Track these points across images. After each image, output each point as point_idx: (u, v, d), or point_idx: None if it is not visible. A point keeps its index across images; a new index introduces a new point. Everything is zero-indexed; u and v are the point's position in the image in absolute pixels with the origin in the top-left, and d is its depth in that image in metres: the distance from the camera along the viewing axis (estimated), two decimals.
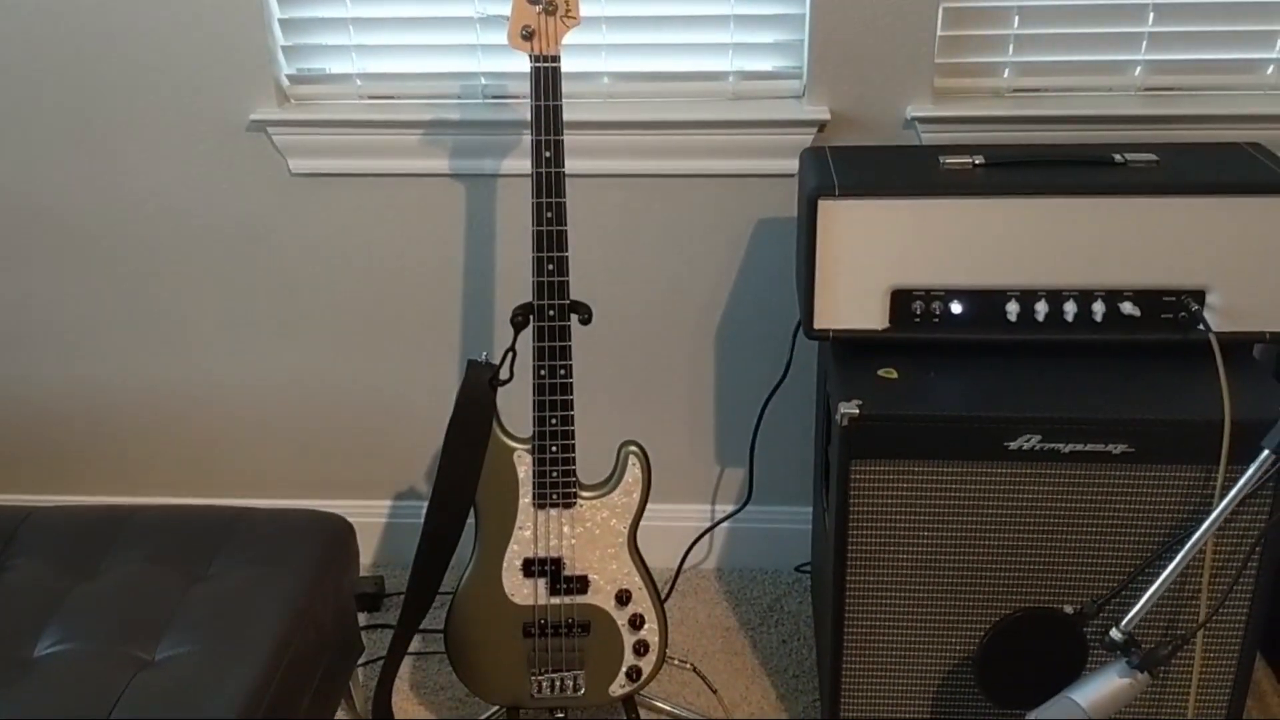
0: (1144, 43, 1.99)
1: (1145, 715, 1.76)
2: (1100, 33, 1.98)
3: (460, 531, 1.79)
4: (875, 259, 1.69)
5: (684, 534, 2.36)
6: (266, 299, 2.24)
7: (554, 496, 1.76)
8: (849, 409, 1.62)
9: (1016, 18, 1.98)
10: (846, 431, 1.63)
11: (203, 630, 1.61)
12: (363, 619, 2.25)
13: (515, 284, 2.19)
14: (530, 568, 1.79)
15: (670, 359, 2.24)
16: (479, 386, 1.74)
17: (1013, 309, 1.70)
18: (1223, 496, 1.58)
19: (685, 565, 2.37)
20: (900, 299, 1.72)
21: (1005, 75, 2.03)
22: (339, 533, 1.85)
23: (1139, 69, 2.02)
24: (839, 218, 1.67)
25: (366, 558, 2.44)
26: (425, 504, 2.37)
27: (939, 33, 1.95)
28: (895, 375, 1.70)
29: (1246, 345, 1.74)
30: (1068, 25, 1.98)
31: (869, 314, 1.72)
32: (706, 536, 2.38)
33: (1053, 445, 1.60)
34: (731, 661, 2.14)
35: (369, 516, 2.41)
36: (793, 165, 2.05)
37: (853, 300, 1.72)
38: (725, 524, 2.35)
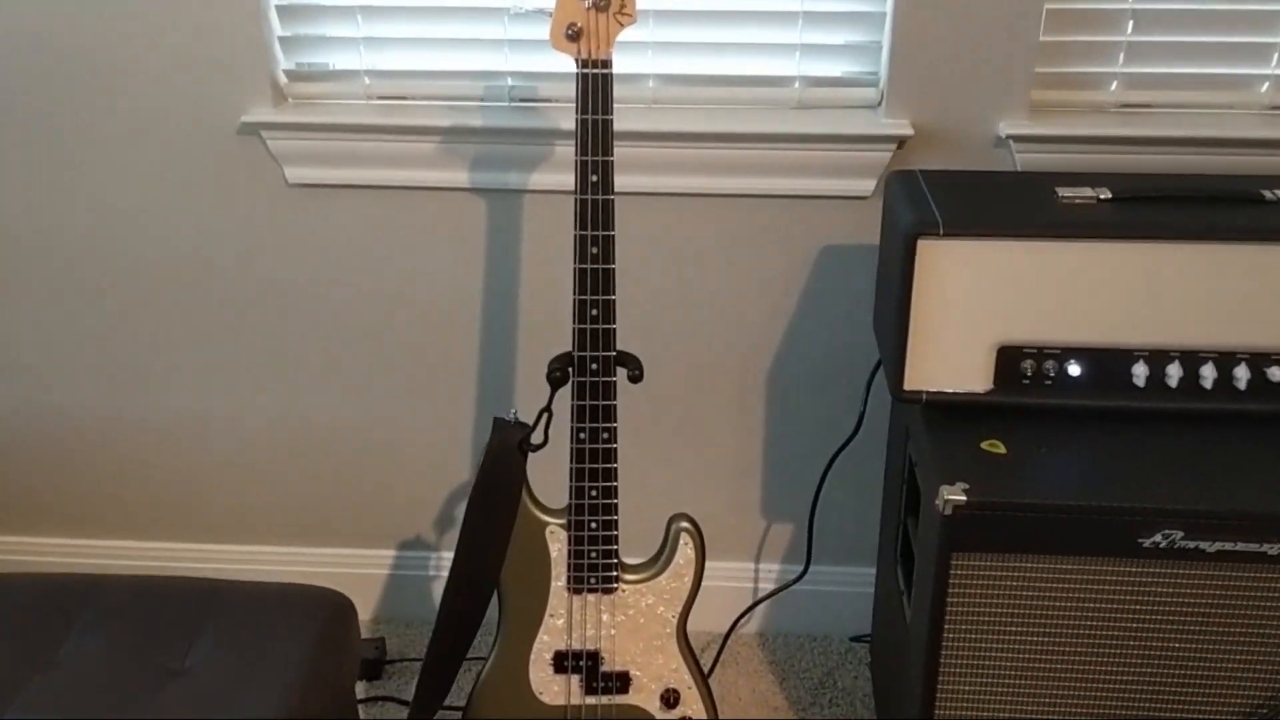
0: (1276, 55, 1.72)
1: None
2: (1223, 42, 1.72)
3: (481, 617, 1.53)
4: (982, 310, 1.43)
5: (725, 595, 2.09)
6: (257, 326, 1.97)
7: (592, 580, 1.50)
8: (954, 496, 1.35)
9: (1131, 23, 1.71)
10: (949, 521, 1.36)
11: None
12: (361, 689, 1.99)
13: (541, 317, 1.91)
14: (562, 662, 1.53)
15: (718, 403, 1.97)
16: (507, 450, 1.47)
17: (1140, 372, 1.44)
18: None
19: (731, 633, 2.11)
20: (1008, 357, 1.45)
21: (1112, 88, 1.76)
22: (337, 612, 1.58)
23: (1266, 85, 1.75)
24: (942, 261, 1.41)
25: (366, 613, 2.17)
26: (432, 554, 2.13)
27: (1041, 37, 1.68)
28: (1004, 450, 1.44)
29: None
30: (1187, 33, 1.72)
31: (971, 374, 1.46)
32: (748, 598, 2.11)
33: (1196, 543, 1.34)
34: None
35: (369, 567, 2.15)
36: (864, 186, 1.79)
37: (952, 358, 1.45)
38: (781, 591, 2.09)
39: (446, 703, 1.64)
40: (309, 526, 2.13)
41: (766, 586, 2.11)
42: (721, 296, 1.89)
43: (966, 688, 1.45)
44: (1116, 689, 1.42)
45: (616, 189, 1.79)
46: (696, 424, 1.99)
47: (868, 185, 1.78)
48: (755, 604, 2.08)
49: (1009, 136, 1.73)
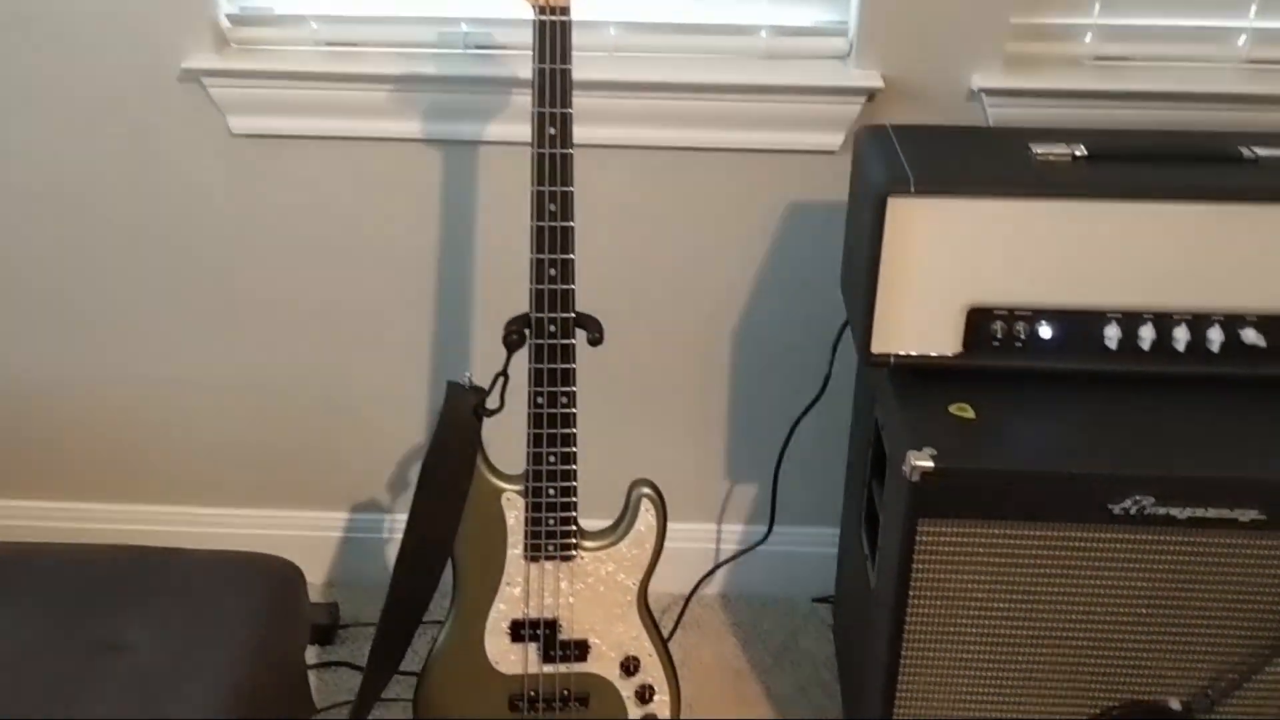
0: (1254, 7, 1.68)
1: None
2: None
3: (434, 585, 1.48)
4: (952, 271, 1.38)
5: (686, 556, 2.06)
6: (202, 283, 1.89)
7: (550, 548, 1.45)
8: (921, 461, 1.31)
9: None
10: (915, 487, 1.32)
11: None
12: (313, 654, 1.94)
13: (499, 272, 1.85)
14: (519, 631, 1.49)
15: (680, 364, 1.92)
16: (461, 415, 1.42)
17: (1112, 334, 1.41)
18: None
19: (693, 596, 2.08)
20: (978, 319, 1.41)
21: (1087, 40, 1.71)
22: (285, 581, 1.53)
23: (1244, 38, 1.71)
24: (913, 220, 1.36)
25: (319, 576, 2.12)
26: (386, 517, 2.07)
27: None
28: (973, 415, 1.40)
29: None
30: None
31: (940, 337, 1.42)
32: (710, 559, 2.08)
33: (1167, 510, 1.31)
34: (743, 713, 1.86)
35: (322, 530, 2.09)
36: (832, 140, 1.73)
37: (921, 320, 1.41)
38: (731, 547, 2.06)
39: (402, 669, 1.60)
40: (260, 488, 2.07)
41: (729, 548, 2.08)
42: (685, 254, 1.83)
43: (931, 654, 1.42)
44: (1085, 657, 1.40)
45: (576, 141, 1.73)
46: (659, 384, 1.95)
47: (836, 139, 1.73)
48: (717, 566, 2.05)
49: (981, 90, 1.68)
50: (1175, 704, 1.37)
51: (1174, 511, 1.32)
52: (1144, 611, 1.37)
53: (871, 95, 1.69)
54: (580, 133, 1.71)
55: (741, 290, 1.86)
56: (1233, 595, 1.36)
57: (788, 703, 1.88)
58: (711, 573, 2.05)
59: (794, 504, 2.03)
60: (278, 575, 1.52)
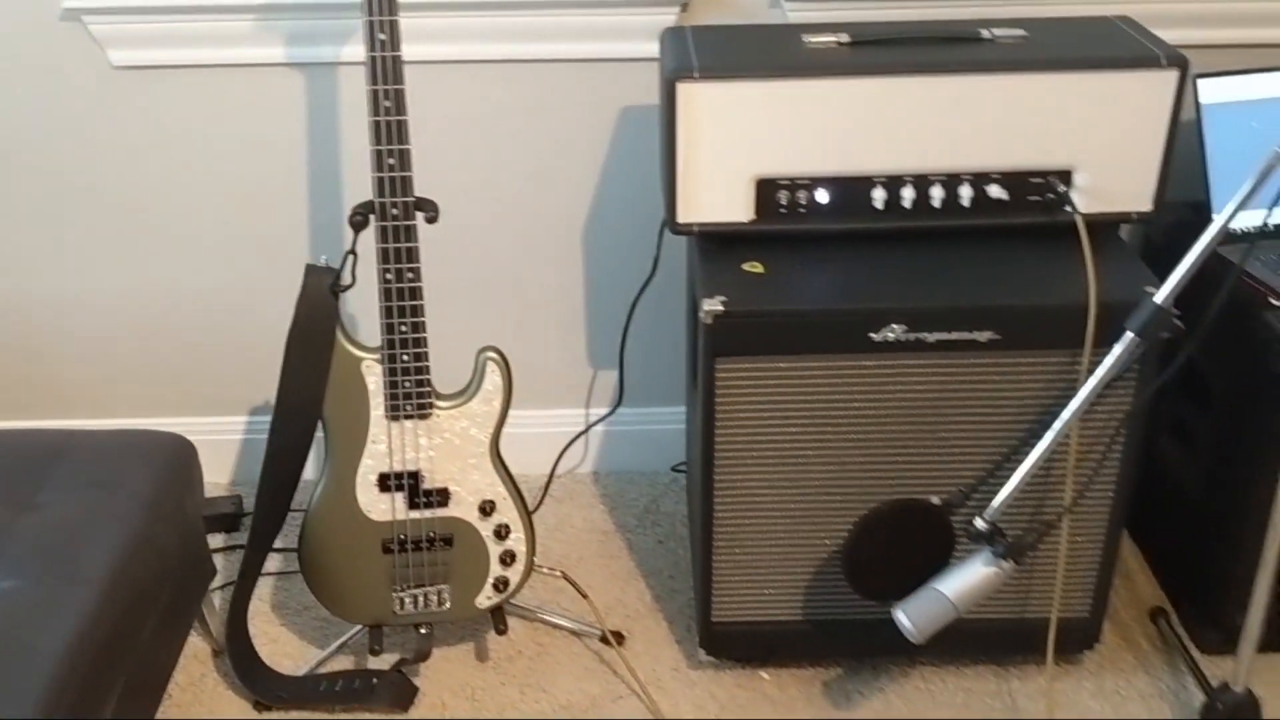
0: None
1: (1015, 600, 1.76)
2: None
3: (307, 448, 1.69)
4: (739, 147, 1.61)
5: (559, 439, 2.29)
6: (95, 206, 2.07)
7: (408, 408, 1.66)
8: (712, 306, 1.55)
9: None
10: (710, 329, 1.56)
11: (31, 563, 1.50)
12: (221, 540, 2.15)
13: (364, 179, 2.04)
14: (386, 482, 1.70)
15: (535, 259, 2.14)
16: (319, 293, 1.62)
17: (879, 196, 1.64)
18: (1087, 380, 1.56)
19: (561, 470, 2.31)
20: (765, 189, 1.64)
21: None
22: (179, 452, 1.73)
23: None
24: (700, 102, 1.58)
25: (223, 476, 2.32)
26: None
27: None
28: (761, 269, 1.63)
29: (1114, 226, 1.71)
30: None
31: (734, 206, 1.65)
32: (581, 440, 2.31)
33: (918, 335, 1.56)
34: (608, 565, 2.10)
35: (224, 434, 2.29)
36: (654, 48, 1.94)
37: (717, 192, 1.63)
38: (601, 427, 2.29)
39: (286, 544, 1.81)
40: (160, 398, 2.26)
41: (598, 428, 2.31)
42: (530, 157, 2.04)
43: (739, 473, 1.66)
44: (863, 465, 1.65)
45: (425, 58, 1.93)
46: (522, 281, 2.16)
47: (656, 46, 1.94)
48: (575, 438, 2.27)
49: None
50: (936, 500, 1.62)
51: (924, 336, 1.56)
52: (907, 424, 1.62)
53: (685, 5, 1.90)
54: (424, 50, 1.92)
55: (587, 188, 2.07)
56: (978, 406, 1.61)
57: (648, 554, 2.12)
58: (569, 446, 2.27)
59: (654, 383, 2.26)
60: (170, 446, 1.72)
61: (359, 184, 2.05)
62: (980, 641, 1.81)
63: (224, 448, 2.30)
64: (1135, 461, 1.65)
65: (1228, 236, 1.80)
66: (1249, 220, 1.76)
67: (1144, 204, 1.65)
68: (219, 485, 2.31)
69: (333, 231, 2.10)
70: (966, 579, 1.48)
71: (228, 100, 1.98)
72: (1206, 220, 1.80)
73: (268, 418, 2.26)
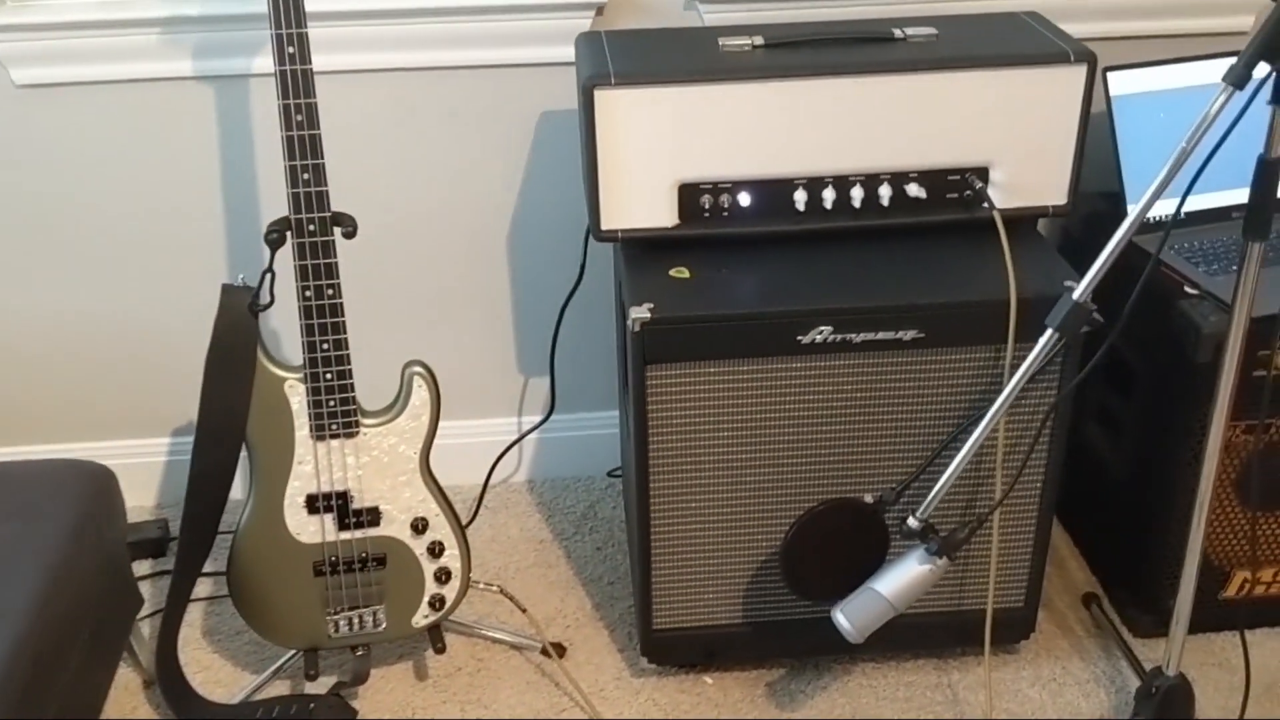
0: None
1: (951, 594, 1.78)
2: None
3: (232, 470, 1.65)
4: (659, 152, 1.60)
5: (491, 449, 2.26)
6: (5, 227, 2.01)
7: (334, 426, 1.63)
8: (639, 313, 1.54)
9: None
10: (639, 337, 1.55)
11: None
12: (147, 567, 2.09)
13: (279, 192, 2.00)
14: (315, 503, 1.67)
15: (459, 268, 2.11)
16: (237, 313, 1.59)
17: (800, 198, 1.64)
18: (1012, 375, 1.58)
19: (495, 480, 2.29)
20: (688, 194, 1.63)
21: None
22: (99, 480, 1.68)
23: None
24: (618, 109, 1.57)
25: (148, 500, 2.27)
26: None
27: None
28: (688, 274, 1.63)
29: (1031, 220, 1.73)
30: None
31: (658, 211, 1.64)
32: (515, 449, 2.29)
33: (844, 336, 1.57)
34: (546, 575, 2.08)
35: (146, 456, 2.24)
36: (571, 52, 1.93)
37: (640, 197, 1.63)
38: (534, 434, 2.27)
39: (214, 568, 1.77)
40: (80, 422, 2.20)
41: (532, 436, 2.29)
42: (451, 166, 2.01)
43: (674, 483, 1.66)
44: (796, 466, 1.65)
45: (338, 68, 1.90)
46: (447, 292, 2.13)
47: (573, 51, 1.92)
48: (508, 448, 2.25)
49: None
50: (869, 498, 1.63)
51: (851, 337, 1.57)
52: (839, 425, 1.63)
53: (600, 9, 1.89)
54: (337, 60, 1.89)
55: (510, 194, 2.05)
56: (906, 404, 1.62)
57: (587, 561, 2.11)
58: (502, 456, 2.25)
59: (587, 389, 2.25)
60: (91, 475, 1.67)
61: (275, 199, 2.01)
62: (919, 636, 1.83)
63: (146, 471, 2.24)
64: (1062, 452, 1.67)
65: (1143, 226, 1.84)
66: (1163, 209, 1.79)
67: (1059, 198, 1.67)
68: (143, 509, 2.25)
69: (250, 248, 2.05)
70: (902, 577, 1.48)
71: (137, 116, 1.93)
72: (1121, 210, 1.84)
73: (190, 439, 2.22)
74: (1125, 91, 1.81)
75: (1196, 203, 1.82)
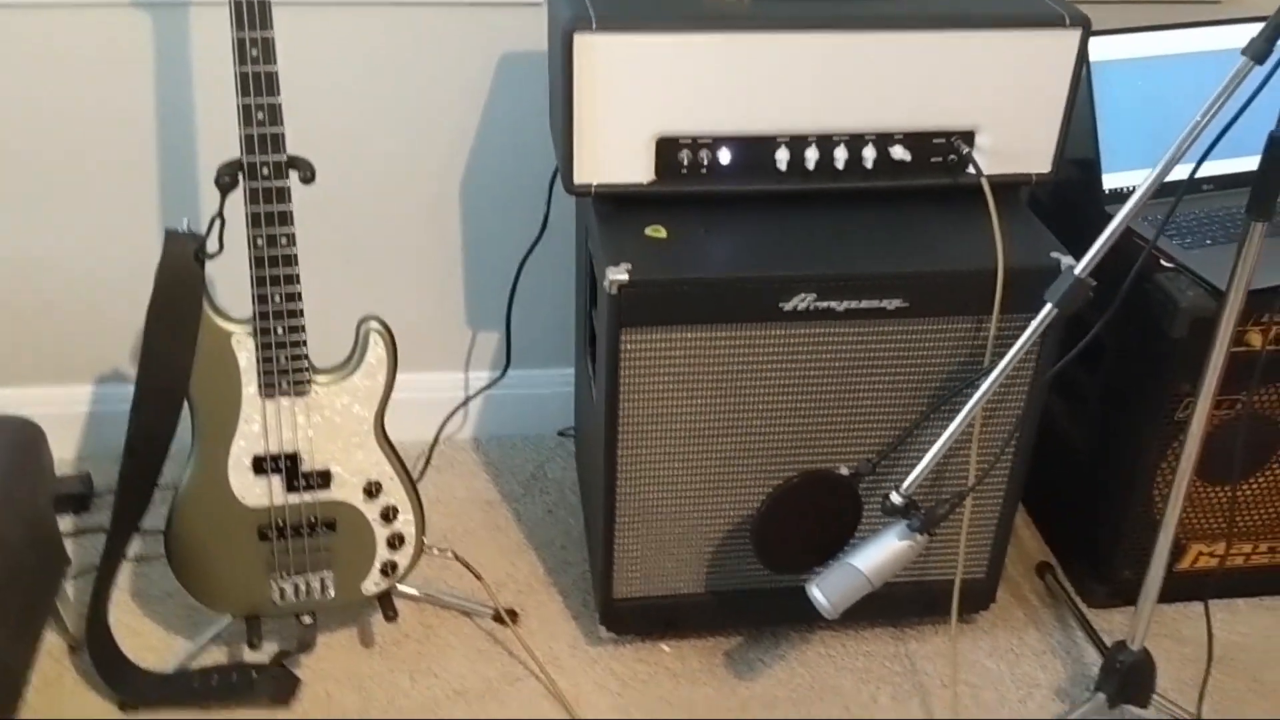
0: None
1: (914, 565, 1.75)
2: None
3: (172, 429, 1.54)
4: (639, 103, 1.52)
5: (437, 405, 2.17)
6: None
7: (284, 384, 1.53)
8: (617, 275, 1.46)
9: None
10: (615, 299, 1.47)
11: None
12: (69, 523, 1.97)
13: (220, 129, 1.88)
14: (261, 465, 1.57)
15: (411, 216, 2.01)
16: (182, 261, 1.47)
17: (783, 157, 1.58)
18: (996, 346, 1.55)
19: (439, 437, 2.20)
20: (666, 148, 1.55)
21: None
22: (25, 438, 1.57)
23: None
24: (598, 55, 1.48)
25: (69, 451, 2.13)
26: (131, 386, 2.10)
27: None
28: (664, 234, 1.55)
29: (1014, 188, 1.69)
30: None
31: (634, 166, 1.56)
32: (462, 407, 2.21)
33: (828, 304, 1.51)
34: (495, 538, 2.01)
35: (68, 406, 2.10)
36: None
37: (616, 151, 1.54)
38: (482, 392, 2.19)
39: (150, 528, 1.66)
40: (1, 367, 2.06)
41: (478, 395, 2.20)
42: (406, 108, 1.90)
43: (643, 451, 1.59)
44: (771, 436, 1.60)
45: (295, 1, 1.77)
46: (395, 237, 2.03)
47: None
48: (460, 405, 2.17)
49: None
50: (845, 470, 1.59)
51: (834, 305, 1.51)
52: (817, 394, 1.58)
53: None
54: None
55: (465, 139, 1.95)
56: (886, 375, 1.58)
57: (537, 524, 2.05)
58: (454, 413, 2.16)
59: (537, 347, 2.17)
60: (14, 431, 1.55)
61: (217, 140, 1.88)
62: (878, 605, 1.78)
63: (68, 421, 2.11)
64: (1034, 429, 1.65)
65: (1117, 197, 1.82)
66: (1138, 180, 1.77)
67: (1044, 166, 1.63)
68: (65, 461, 2.12)
69: (184, 186, 1.92)
70: (880, 553, 1.45)
71: (68, 43, 1.78)
72: (1094, 179, 1.82)
73: (115, 387, 2.10)
74: (1105, 58, 1.78)
75: (1170, 175, 1.80)
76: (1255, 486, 1.81)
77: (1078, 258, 1.35)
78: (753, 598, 1.74)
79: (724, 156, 1.57)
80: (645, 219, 1.58)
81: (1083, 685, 1.76)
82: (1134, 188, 1.76)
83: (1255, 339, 1.64)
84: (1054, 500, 2.04)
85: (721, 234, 1.57)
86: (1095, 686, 1.66)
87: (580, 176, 1.56)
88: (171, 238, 1.47)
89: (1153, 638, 1.82)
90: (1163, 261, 1.68)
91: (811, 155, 1.58)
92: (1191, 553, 1.85)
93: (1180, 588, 1.86)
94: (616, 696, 1.72)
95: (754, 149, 1.57)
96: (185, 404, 1.53)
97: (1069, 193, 1.83)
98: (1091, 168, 1.80)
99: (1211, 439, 1.72)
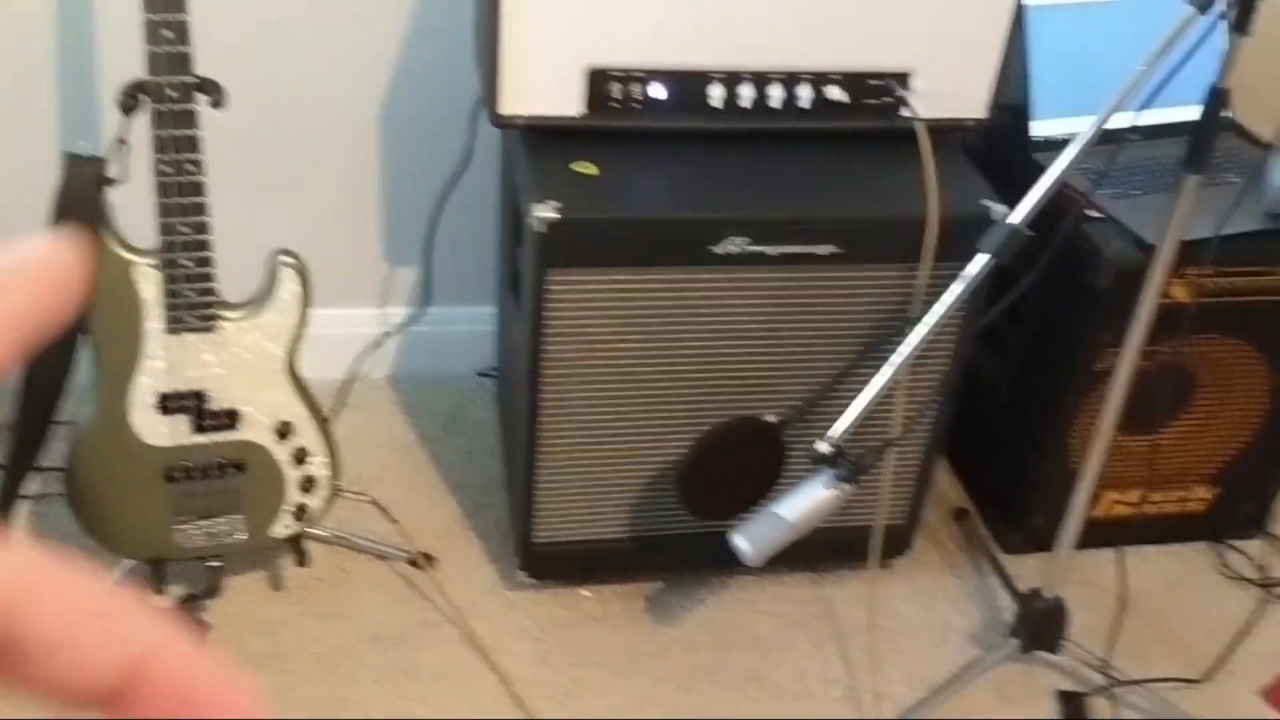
0: None
1: (836, 511, 1.75)
2: None
3: (69, 364, 1.46)
4: (570, 32, 1.46)
5: (351, 342, 2.10)
6: None
7: (190, 319, 1.46)
8: (545, 213, 1.41)
9: None
10: (542, 239, 1.42)
11: None
12: None
13: (126, 53, 1.76)
14: (166, 404, 1.50)
15: (325, 145, 1.92)
16: (82, 187, 1.38)
17: (716, 94, 1.53)
18: (927, 294, 1.53)
19: (355, 376, 2.13)
20: (598, 80, 1.50)
21: None
22: None
23: None
24: None
25: None
26: None
27: None
28: (594, 170, 1.50)
29: (950, 133, 1.67)
30: None
31: (564, 98, 1.50)
32: (379, 344, 2.13)
33: (760, 248, 1.48)
34: (412, 480, 1.96)
35: None
36: None
37: (546, 81, 1.48)
38: (400, 330, 2.12)
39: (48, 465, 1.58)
40: None
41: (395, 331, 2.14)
42: (321, 30, 1.81)
43: (567, 394, 1.56)
44: (700, 382, 1.58)
45: None
46: (311, 166, 1.94)
47: None
48: (375, 345, 2.10)
49: None
50: (772, 418, 1.57)
51: (766, 249, 1.48)
52: (746, 340, 1.55)
53: None
54: None
55: (383, 68, 1.86)
56: (818, 323, 1.56)
57: (455, 468, 2.00)
58: (370, 351, 2.10)
59: (455, 284, 2.10)
60: None
61: (117, 53, 1.76)
62: (797, 551, 1.78)
63: None
64: (958, 378, 1.65)
65: (1046, 145, 1.81)
66: (1068, 128, 1.77)
67: (979, 111, 1.62)
68: None
69: (83, 108, 1.80)
70: (806, 502, 1.43)
71: None
72: (1023, 125, 1.81)
73: None
74: (1038, 2, 1.76)
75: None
76: (1168, 437, 1.84)
77: (1006, 205, 1.33)
78: (673, 542, 1.73)
79: (657, 91, 1.52)
80: (574, 154, 1.53)
81: (997, 630, 1.78)
82: (1061, 136, 1.77)
83: (1178, 291, 1.65)
84: (972, 447, 2.06)
85: (653, 172, 1.53)
86: (1010, 632, 1.68)
87: (506, 107, 1.50)
88: (70, 161, 1.38)
89: (1063, 584, 1.86)
90: (1089, 211, 1.68)
91: (747, 93, 1.54)
92: (1105, 501, 1.88)
93: (1092, 535, 1.89)
94: (536, 642, 1.70)
95: (688, 84, 1.52)
96: (84, 338, 1.44)
97: (998, 139, 1.82)
98: (1021, 114, 1.79)
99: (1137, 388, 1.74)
